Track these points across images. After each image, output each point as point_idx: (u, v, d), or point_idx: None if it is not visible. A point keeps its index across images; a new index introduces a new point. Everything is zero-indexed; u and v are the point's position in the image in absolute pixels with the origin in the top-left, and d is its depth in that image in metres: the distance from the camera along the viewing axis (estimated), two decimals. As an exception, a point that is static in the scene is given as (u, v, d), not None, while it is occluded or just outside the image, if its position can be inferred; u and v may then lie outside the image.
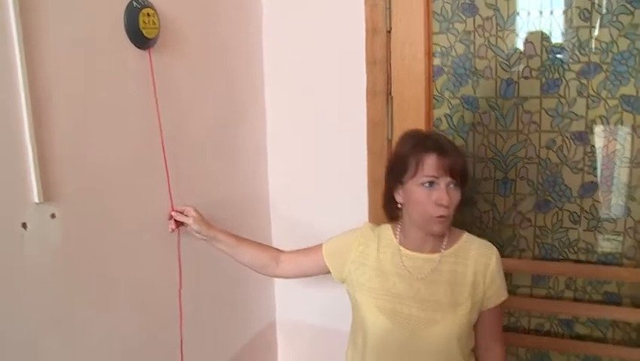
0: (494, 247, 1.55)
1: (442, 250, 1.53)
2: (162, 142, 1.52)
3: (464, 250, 1.54)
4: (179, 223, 1.60)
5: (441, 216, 1.43)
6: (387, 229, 1.61)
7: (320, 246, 1.66)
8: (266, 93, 2.12)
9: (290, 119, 2.11)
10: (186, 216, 1.59)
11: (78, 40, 1.27)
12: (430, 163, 1.41)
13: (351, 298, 1.62)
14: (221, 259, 1.76)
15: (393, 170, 1.52)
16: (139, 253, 1.49)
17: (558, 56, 1.82)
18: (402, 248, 1.55)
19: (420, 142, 1.46)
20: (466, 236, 1.57)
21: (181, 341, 1.63)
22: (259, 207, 2.15)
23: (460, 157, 1.45)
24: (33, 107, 1.14)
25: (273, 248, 1.75)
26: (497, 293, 1.53)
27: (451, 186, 1.43)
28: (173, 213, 1.59)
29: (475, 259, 1.52)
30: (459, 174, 1.43)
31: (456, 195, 1.44)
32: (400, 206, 1.53)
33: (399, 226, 1.58)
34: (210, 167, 1.81)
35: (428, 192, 1.42)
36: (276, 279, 2.26)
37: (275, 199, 2.20)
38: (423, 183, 1.42)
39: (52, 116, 1.20)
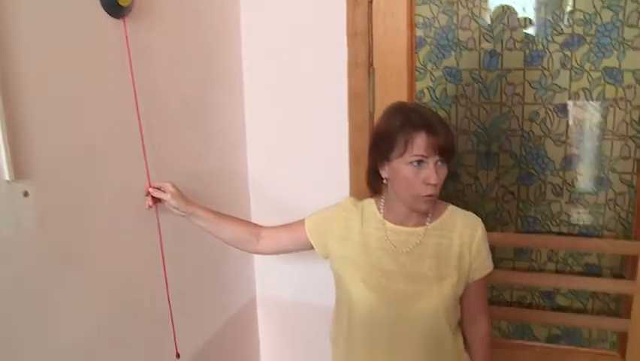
0: (479, 219, 1.55)
1: (427, 224, 1.52)
2: (138, 115, 1.46)
3: (449, 222, 1.53)
4: (156, 200, 1.55)
5: (429, 195, 1.41)
6: (370, 203, 1.59)
7: (302, 222, 1.63)
8: (243, 65, 2.07)
9: (269, 91, 2.06)
10: (164, 192, 1.54)
11: (48, 11, 1.20)
12: (420, 143, 1.38)
13: (335, 273, 1.60)
14: (200, 237, 1.72)
15: (380, 146, 1.48)
16: (117, 231, 1.44)
17: (541, 27, 1.80)
18: (386, 222, 1.53)
19: (408, 119, 1.42)
20: (451, 208, 1.56)
21: (171, 318, 1.60)
22: (238, 182, 2.12)
23: (448, 133, 1.42)
24: (1, 79, 1.09)
25: (254, 224, 1.71)
26: (483, 265, 1.53)
27: (439, 163, 1.41)
28: (150, 190, 1.54)
29: (461, 231, 1.51)
30: (447, 152, 1.41)
31: (443, 172, 1.42)
32: (385, 182, 1.51)
33: (382, 199, 1.56)
34: (188, 141, 1.76)
35: (416, 171, 1.40)
36: (256, 255, 2.23)
37: (254, 174, 2.16)
38: (411, 162, 1.40)
39: (22, 89, 1.14)
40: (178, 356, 1.63)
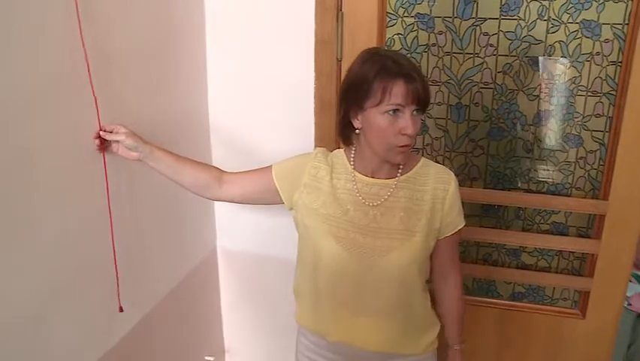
0: (452, 173, 1.56)
1: (399, 175, 1.53)
2: (86, 56, 1.41)
3: (422, 175, 1.54)
4: (103, 144, 1.50)
5: (404, 146, 1.41)
6: (339, 154, 1.59)
7: (269, 167, 1.61)
8: (206, 7, 2.02)
9: (232, 34, 2.03)
10: (117, 133, 1.48)
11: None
12: (398, 91, 1.37)
13: (299, 225, 1.61)
14: (154, 186, 1.72)
15: (353, 94, 1.46)
16: (63, 178, 1.42)
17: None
18: (357, 174, 1.54)
19: (384, 66, 1.40)
20: (423, 161, 1.57)
21: (115, 268, 1.62)
22: (198, 131, 2.11)
23: (425, 81, 1.42)
24: None
25: (216, 168, 1.67)
26: (455, 221, 1.56)
27: (414, 113, 1.40)
28: (101, 133, 1.47)
29: (433, 185, 1.52)
30: (424, 101, 1.41)
31: (418, 123, 1.42)
32: (357, 132, 1.50)
33: (353, 150, 1.56)
34: (144, 84, 1.73)
35: (392, 121, 1.39)
36: (216, 206, 2.25)
37: (215, 121, 2.15)
38: (387, 111, 1.39)
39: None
40: (121, 309, 1.64)
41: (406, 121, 1.39)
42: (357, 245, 1.51)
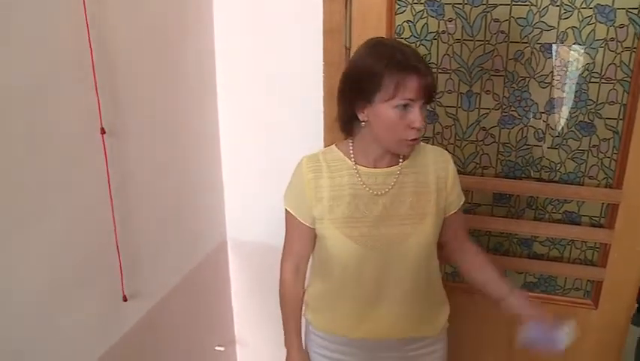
0: (447, 152, 1.61)
1: (400, 162, 1.54)
2: (92, 56, 1.44)
3: (421, 157, 1.57)
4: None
5: (414, 140, 1.42)
6: (333, 151, 1.58)
7: (293, 218, 1.62)
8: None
9: (240, 25, 2.05)
10: None
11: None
12: (412, 86, 1.36)
13: (317, 237, 1.62)
14: (164, 179, 1.74)
15: (361, 87, 1.43)
16: (65, 173, 1.44)
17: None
18: (359, 167, 1.54)
19: (393, 58, 1.39)
20: (420, 144, 1.58)
21: (119, 260, 1.65)
22: (207, 121, 2.14)
23: (432, 73, 1.42)
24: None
25: (295, 279, 1.71)
26: (458, 197, 1.61)
27: (422, 106, 1.40)
28: None
29: (435, 166, 1.56)
30: (433, 94, 1.42)
31: (425, 115, 1.43)
32: (363, 124, 1.48)
33: (351, 144, 1.55)
34: (151, 80, 1.75)
35: (402, 115, 1.39)
36: (226, 198, 2.29)
37: (224, 109, 2.17)
38: (397, 106, 1.39)
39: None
40: (125, 299, 1.68)
41: (416, 115, 1.39)
42: (373, 239, 1.51)
